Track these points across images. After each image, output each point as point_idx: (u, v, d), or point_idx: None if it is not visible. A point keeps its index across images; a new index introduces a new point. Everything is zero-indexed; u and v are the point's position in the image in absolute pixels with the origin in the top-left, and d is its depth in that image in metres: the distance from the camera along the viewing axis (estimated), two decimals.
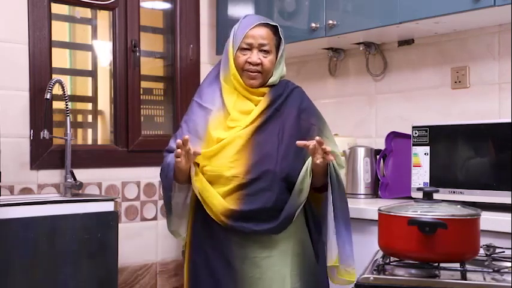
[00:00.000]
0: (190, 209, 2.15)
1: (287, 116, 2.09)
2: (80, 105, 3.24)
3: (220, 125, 2.08)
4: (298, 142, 1.93)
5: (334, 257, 2.02)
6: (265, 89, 2.12)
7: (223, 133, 2.06)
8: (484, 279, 1.39)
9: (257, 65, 2.08)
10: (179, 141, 1.95)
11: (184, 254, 2.19)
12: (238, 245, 2.01)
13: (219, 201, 1.99)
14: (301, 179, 1.99)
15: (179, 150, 1.95)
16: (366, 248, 1.82)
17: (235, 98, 2.10)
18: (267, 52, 2.09)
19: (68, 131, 2.70)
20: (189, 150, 1.95)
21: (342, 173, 2.11)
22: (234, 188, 1.99)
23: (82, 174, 2.79)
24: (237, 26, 2.15)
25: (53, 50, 2.83)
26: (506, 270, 1.42)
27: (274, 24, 2.14)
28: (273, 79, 2.13)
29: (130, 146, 3.02)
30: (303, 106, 2.13)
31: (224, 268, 2.01)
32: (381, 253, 1.57)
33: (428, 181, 2.33)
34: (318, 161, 1.93)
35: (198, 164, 2.05)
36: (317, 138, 1.90)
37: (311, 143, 1.90)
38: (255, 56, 2.08)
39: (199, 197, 2.03)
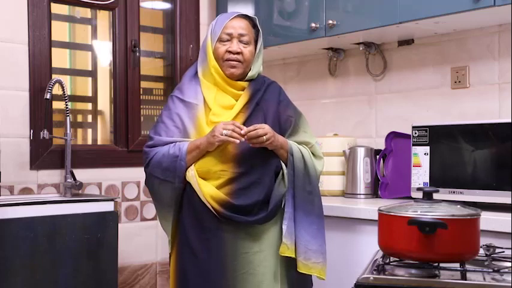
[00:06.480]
0: (178, 207, 2.10)
1: (267, 110, 2.12)
2: (79, 105, 3.24)
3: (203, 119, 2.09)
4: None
5: (285, 248, 2.01)
6: (244, 83, 2.13)
7: (207, 128, 2.06)
8: (484, 279, 1.39)
9: (238, 53, 2.09)
10: (237, 123, 1.98)
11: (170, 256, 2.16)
12: (231, 237, 2.00)
13: (213, 189, 1.99)
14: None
15: (235, 129, 1.95)
16: (366, 248, 1.82)
17: (215, 93, 2.11)
18: (246, 43, 2.11)
19: (68, 131, 2.70)
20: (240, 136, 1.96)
21: (320, 164, 2.14)
22: (224, 183, 2.00)
23: (82, 174, 2.78)
24: (214, 21, 2.17)
25: (53, 50, 2.83)
26: (506, 270, 1.42)
27: (252, 16, 2.17)
28: (252, 73, 2.14)
29: (130, 146, 3.02)
30: (280, 99, 2.17)
31: (215, 265, 2.00)
32: (380, 253, 1.57)
33: (428, 181, 2.33)
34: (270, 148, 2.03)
35: None
36: (242, 131, 1.96)
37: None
38: (235, 45, 2.09)
39: (194, 185, 2.01)
